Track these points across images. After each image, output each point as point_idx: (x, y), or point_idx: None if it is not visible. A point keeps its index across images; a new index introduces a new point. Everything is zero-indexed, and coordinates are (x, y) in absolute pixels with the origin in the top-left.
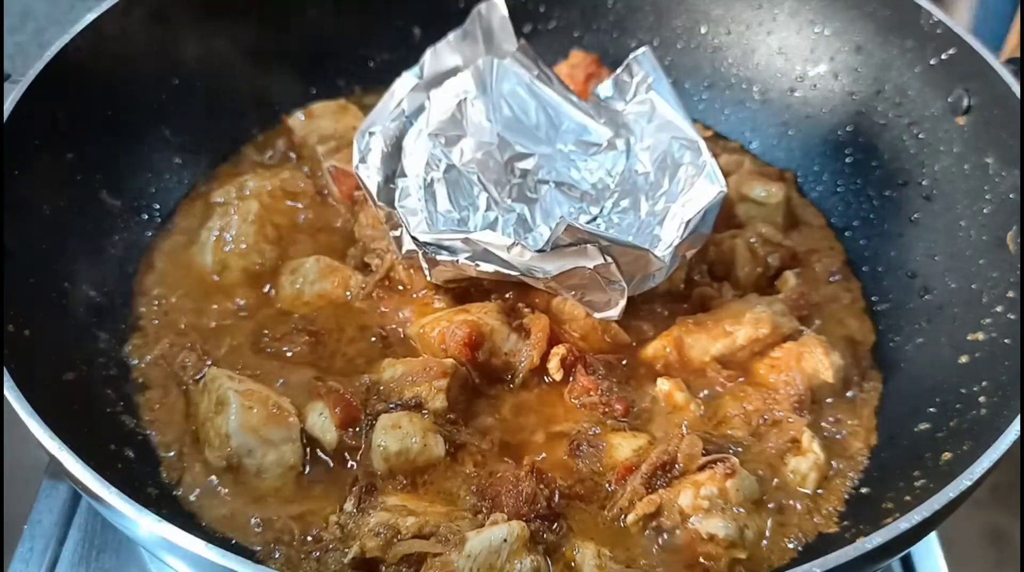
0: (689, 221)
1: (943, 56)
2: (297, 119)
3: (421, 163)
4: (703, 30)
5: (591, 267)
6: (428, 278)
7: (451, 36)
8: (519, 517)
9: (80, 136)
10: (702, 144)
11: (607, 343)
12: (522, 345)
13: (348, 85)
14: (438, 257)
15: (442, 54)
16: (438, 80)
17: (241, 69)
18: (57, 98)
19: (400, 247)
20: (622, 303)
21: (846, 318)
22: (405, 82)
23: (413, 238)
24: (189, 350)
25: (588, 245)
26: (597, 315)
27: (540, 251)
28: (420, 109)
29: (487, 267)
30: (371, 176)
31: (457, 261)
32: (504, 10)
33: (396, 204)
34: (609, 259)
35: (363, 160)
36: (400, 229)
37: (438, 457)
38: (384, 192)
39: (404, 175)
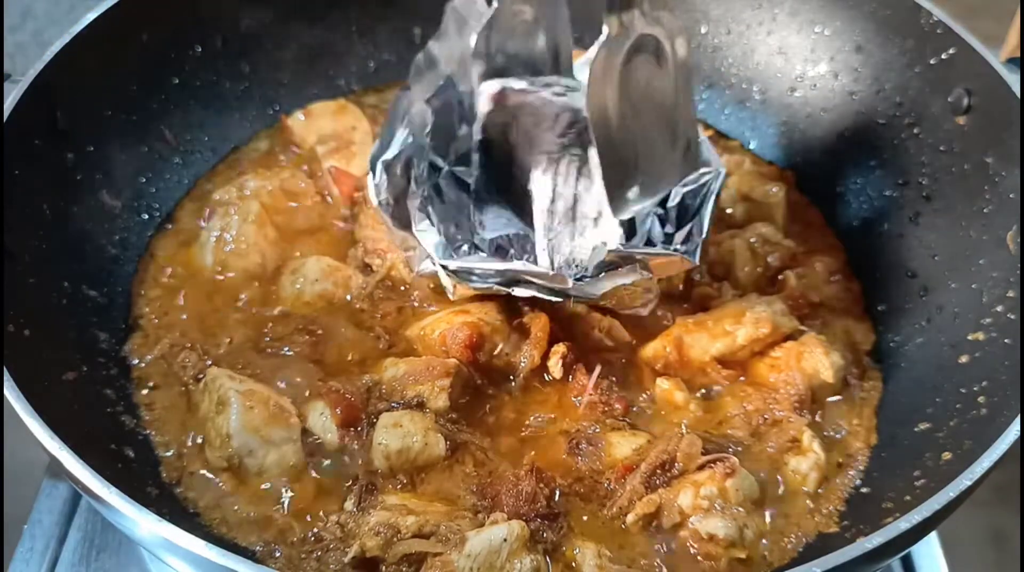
0: (710, 214)
1: (943, 56)
2: (297, 119)
3: (428, 181)
4: (703, 30)
5: (630, 283)
6: (451, 297)
7: (430, 43)
8: (519, 516)
9: (80, 136)
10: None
11: (607, 342)
12: (523, 344)
13: (348, 85)
14: (467, 282)
15: (427, 59)
16: (428, 89)
17: (241, 69)
18: (57, 98)
19: (414, 266)
20: (653, 303)
21: (846, 318)
22: (401, 101)
23: (442, 266)
24: (189, 350)
25: (626, 263)
26: (625, 312)
27: (581, 279)
28: (422, 125)
29: (523, 292)
30: (386, 203)
31: (489, 286)
32: (483, 5)
33: (414, 229)
34: (648, 274)
35: (379, 191)
36: (414, 250)
37: (439, 456)
38: (399, 216)
39: (414, 197)
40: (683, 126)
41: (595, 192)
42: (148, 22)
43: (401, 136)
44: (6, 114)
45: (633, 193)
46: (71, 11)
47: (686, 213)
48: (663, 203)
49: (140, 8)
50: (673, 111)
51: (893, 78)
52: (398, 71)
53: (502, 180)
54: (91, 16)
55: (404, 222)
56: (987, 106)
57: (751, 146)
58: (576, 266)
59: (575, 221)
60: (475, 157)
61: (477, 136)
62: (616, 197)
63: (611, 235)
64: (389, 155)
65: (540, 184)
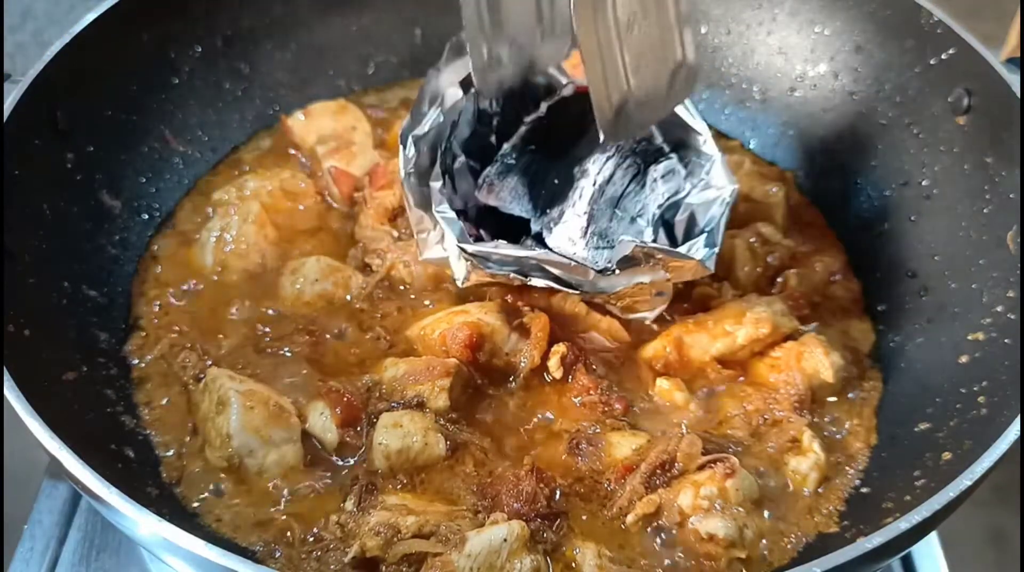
0: (722, 221)
1: (943, 56)
2: (297, 119)
3: (447, 167)
4: (703, 30)
5: (647, 282)
6: (460, 285)
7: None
8: (519, 516)
9: (80, 136)
10: (708, 140)
11: (607, 342)
12: (522, 345)
13: (348, 85)
14: (483, 267)
15: (458, 45)
16: (460, 72)
17: (240, 69)
18: (57, 98)
19: (423, 250)
20: (661, 308)
21: (846, 318)
22: (432, 80)
23: (460, 248)
24: (189, 350)
25: (648, 261)
26: (632, 317)
27: (602, 271)
28: (454, 108)
29: (539, 282)
30: (411, 180)
31: (505, 274)
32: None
33: (434, 209)
34: (666, 274)
35: (407, 164)
36: (427, 233)
37: (439, 456)
38: (420, 194)
39: (436, 178)
40: (678, 47)
41: (642, 196)
42: (148, 22)
43: (432, 115)
44: (6, 114)
45: (626, 115)
46: (71, 11)
47: (694, 226)
48: (672, 214)
49: (140, 8)
50: (666, 28)
51: (893, 78)
52: (398, 71)
53: (545, 161)
54: (91, 16)
55: (424, 202)
56: (987, 106)
57: (751, 146)
58: (606, 244)
59: (614, 208)
60: (521, 129)
61: (539, 113)
62: (605, 117)
63: (639, 236)
64: (419, 131)
65: (600, 165)
